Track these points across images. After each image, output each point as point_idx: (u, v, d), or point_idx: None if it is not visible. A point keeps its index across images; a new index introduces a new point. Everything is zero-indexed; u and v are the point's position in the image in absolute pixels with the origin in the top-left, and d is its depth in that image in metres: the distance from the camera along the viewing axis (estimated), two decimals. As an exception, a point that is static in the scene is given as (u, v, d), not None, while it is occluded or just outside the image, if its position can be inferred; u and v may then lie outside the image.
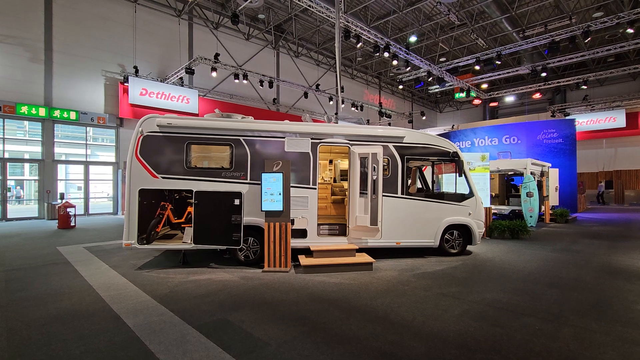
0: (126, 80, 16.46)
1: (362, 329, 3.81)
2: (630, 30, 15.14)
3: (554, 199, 15.33)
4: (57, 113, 14.86)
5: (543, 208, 13.72)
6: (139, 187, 6.23)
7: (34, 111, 14.26)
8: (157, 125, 6.37)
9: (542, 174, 14.09)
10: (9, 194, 14.77)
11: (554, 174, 15.53)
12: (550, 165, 15.07)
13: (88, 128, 16.31)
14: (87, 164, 16.32)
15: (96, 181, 17.34)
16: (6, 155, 14.44)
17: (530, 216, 11.95)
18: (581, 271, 6.31)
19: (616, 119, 25.50)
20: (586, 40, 16.50)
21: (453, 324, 3.94)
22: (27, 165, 18.47)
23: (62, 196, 13.47)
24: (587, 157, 26.16)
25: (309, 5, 14.46)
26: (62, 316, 4.13)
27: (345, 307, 4.46)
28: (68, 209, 12.00)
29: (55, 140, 15.21)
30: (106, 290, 5.10)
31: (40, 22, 14.59)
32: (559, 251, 8.14)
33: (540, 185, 13.18)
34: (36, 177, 15.27)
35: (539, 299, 4.80)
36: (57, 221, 12.22)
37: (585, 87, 22.93)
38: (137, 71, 16.73)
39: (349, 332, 3.73)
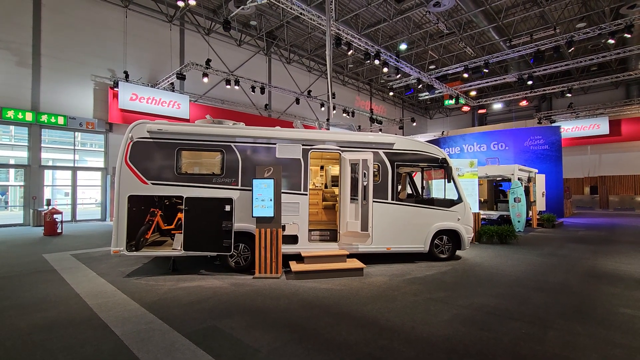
0: (116, 85, 16.31)
1: (352, 334, 3.83)
2: (611, 41, 15.64)
3: (541, 204, 15.63)
4: (44, 118, 14.62)
5: (530, 213, 13.98)
6: (128, 193, 6.17)
7: (20, 116, 14.01)
8: (147, 131, 6.34)
9: (529, 179, 14.38)
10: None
11: (540, 180, 15.85)
12: (537, 171, 15.39)
13: (76, 133, 16.07)
14: (74, 169, 16.06)
15: (84, 187, 17.07)
16: (-9, 161, 14.14)
17: (518, 221, 12.16)
18: (567, 275, 6.45)
19: (600, 126, 26.16)
20: (570, 50, 16.98)
21: (442, 328, 3.99)
22: (12, 171, 18.09)
23: (48, 202, 13.21)
24: (573, 163, 26.74)
25: (301, 13, 14.60)
26: (49, 325, 4.05)
27: (335, 313, 4.47)
28: (55, 216, 11.77)
29: (42, 145, 14.94)
30: (94, 299, 5.02)
31: (28, 26, 14.41)
32: (545, 256, 8.30)
33: (527, 191, 13.44)
34: (22, 183, 14.96)
35: (526, 303, 4.89)
36: (43, 228, 11.97)
37: (570, 95, 23.52)
38: (127, 76, 16.60)
39: (340, 337, 3.75)
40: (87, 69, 16.03)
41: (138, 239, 6.31)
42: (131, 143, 6.29)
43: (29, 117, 14.22)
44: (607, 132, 25.85)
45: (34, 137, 14.60)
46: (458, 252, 8.14)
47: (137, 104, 16.88)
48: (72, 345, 3.55)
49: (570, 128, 27.15)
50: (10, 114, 13.77)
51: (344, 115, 26.46)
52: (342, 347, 3.53)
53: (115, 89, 16.34)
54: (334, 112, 25.63)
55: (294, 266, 6.36)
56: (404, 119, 33.15)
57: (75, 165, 16.17)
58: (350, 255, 6.91)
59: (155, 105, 17.50)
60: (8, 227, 13.99)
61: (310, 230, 6.98)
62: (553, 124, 26.23)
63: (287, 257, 6.80)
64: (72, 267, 6.99)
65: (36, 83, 14.58)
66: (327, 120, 25.50)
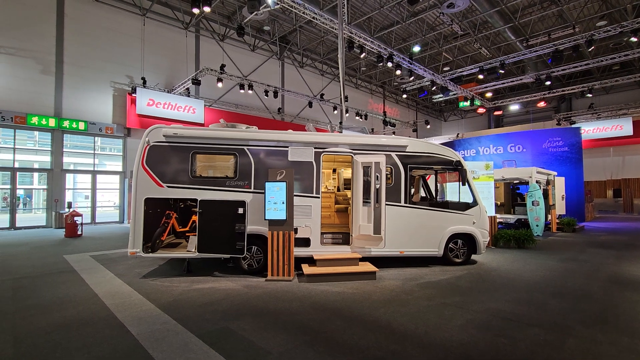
0: (134, 91, 16.78)
1: (364, 338, 3.80)
2: (634, 39, 15.12)
3: (560, 208, 15.17)
4: (66, 123, 15.16)
5: (549, 217, 13.58)
6: (144, 196, 6.32)
7: (44, 122, 14.57)
8: (163, 135, 6.49)
9: (548, 182, 13.98)
10: (19, 202, 14.97)
11: (560, 183, 15.40)
12: (556, 173, 14.95)
13: (96, 138, 16.59)
14: (94, 173, 16.56)
15: (103, 190, 17.56)
16: (16, 165, 14.72)
17: (537, 225, 11.84)
18: (588, 281, 6.23)
19: (623, 127, 25.28)
20: (590, 49, 16.50)
21: (456, 334, 3.91)
22: (36, 175, 18.78)
23: (69, 205, 13.65)
24: (594, 165, 25.89)
25: (313, 17, 14.70)
26: (68, 324, 4.18)
27: (347, 317, 4.45)
28: (75, 218, 12.14)
29: (64, 150, 15.48)
30: (111, 299, 5.15)
31: (51, 35, 15.00)
32: (565, 261, 8.05)
33: (546, 194, 13.07)
34: (45, 186, 15.52)
35: (544, 309, 4.75)
36: (64, 230, 12.36)
37: (590, 95, 22.82)
38: (144, 82, 17.06)
39: (351, 341, 3.72)
40: (107, 76, 16.56)
41: (154, 241, 6.44)
42: (148, 147, 6.44)
43: (52, 122, 14.77)
44: (631, 133, 24.96)
45: (57, 142, 15.14)
46: (473, 257, 7.98)
47: (154, 109, 17.31)
48: (90, 343, 3.65)
49: (591, 129, 26.33)
50: (34, 120, 14.34)
51: (357, 118, 26.43)
52: (353, 350, 3.51)
53: (133, 94, 16.81)
54: (347, 115, 25.62)
55: (306, 269, 6.36)
56: (417, 122, 32.85)
57: (95, 169, 16.67)
58: (363, 259, 6.86)
59: (171, 110, 17.91)
60: (32, 229, 14.52)
61: (322, 233, 6.98)
62: (573, 125, 25.49)
63: (300, 260, 6.81)
64: (91, 268, 7.19)
65: (59, 90, 15.15)
66: (340, 123, 25.47)
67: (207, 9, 12.87)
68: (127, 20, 17.28)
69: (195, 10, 12.90)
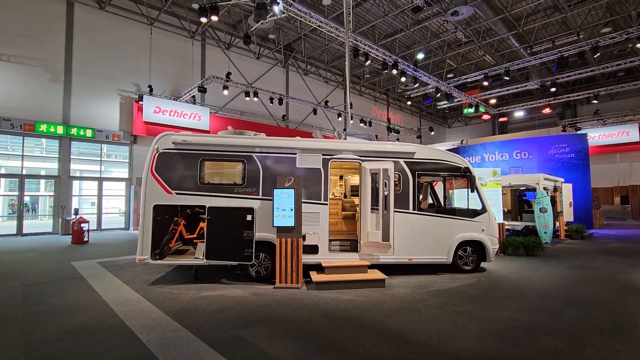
0: (141, 98, 16.94)
1: (376, 347, 3.74)
2: (639, 45, 15.09)
3: (568, 215, 15.01)
4: (74, 131, 15.29)
5: (557, 224, 13.44)
6: (153, 203, 6.32)
7: (52, 129, 14.70)
8: (172, 143, 6.52)
9: (555, 189, 13.87)
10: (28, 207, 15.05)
11: (567, 189, 15.26)
12: (563, 180, 14.84)
13: (103, 145, 16.72)
14: (100, 180, 16.65)
15: (109, 197, 17.63)
16: (24, 172, 14.84)
17: (545, 232, 11.70)
18: (601, 289, 6.13)
19: (629, 133, 25.14)
20: (595, 56, 16.49)
21: (470, 343, 3.84)
22: (42, 182, 18.93)
23: (76, 211, 13.70)
24: (601, 172, 25.68)
25: (319, 26, 14.84)
26: (77, 331, 4.16)
27: (358, 325, 4.39)
28: (82, 224, 12.17)
29: (71, 157, 15.59)
30: (120, 306, 5.13)
31: (61, 44, 15.24)
32: (576, 268, 7.93)
33: (553, 201, 12.95)
34: (52, 193, 15.61)
35: (558, 317, 4.66)
36: (71, 236, 12.38)
37: (596, 101, 22.76)
38: (151, 90, 17.23)
39: (363, 350, 3.67)
40: (114, 84, 16.75)
41: (162, 248, 6.43)
42: (157, 154, 6.47)
43: (60, 130, 14.91)
44: (638, 139, 24.80)
45: (64, 149, 15.26)
46: (483, 264, 7.89)
47: (160, 117, 17.44)
48: (99, 351, 3.62)
49: (597, 135, 26.20)
50: (43, 127, 14.49)
51: (361, 125, 26.49)
52: (366, 359, 3.46)
53: (140, 102, 16.97)
54: (351, 122, 25.66)
55: (315, 276, 6.31)
56: (422, 128, 32.85)
57: (101, 176, 16.76)
58: (372, 266, 6.81)
59: (177, 118, 18.04)
60: (38, 235, 14.57)
61: (330, 240, 6.93)
62: (579, 132, 25.36)
63: (308, 267, 6.75)
64: (98, 275, 7.18)
65: (67, 98, 15.32)
66: (344, 130, 25.56)
67: (214, 18, 13.04)
68: (134, 30, 17.54)
69: (203, 20, 13.08)
